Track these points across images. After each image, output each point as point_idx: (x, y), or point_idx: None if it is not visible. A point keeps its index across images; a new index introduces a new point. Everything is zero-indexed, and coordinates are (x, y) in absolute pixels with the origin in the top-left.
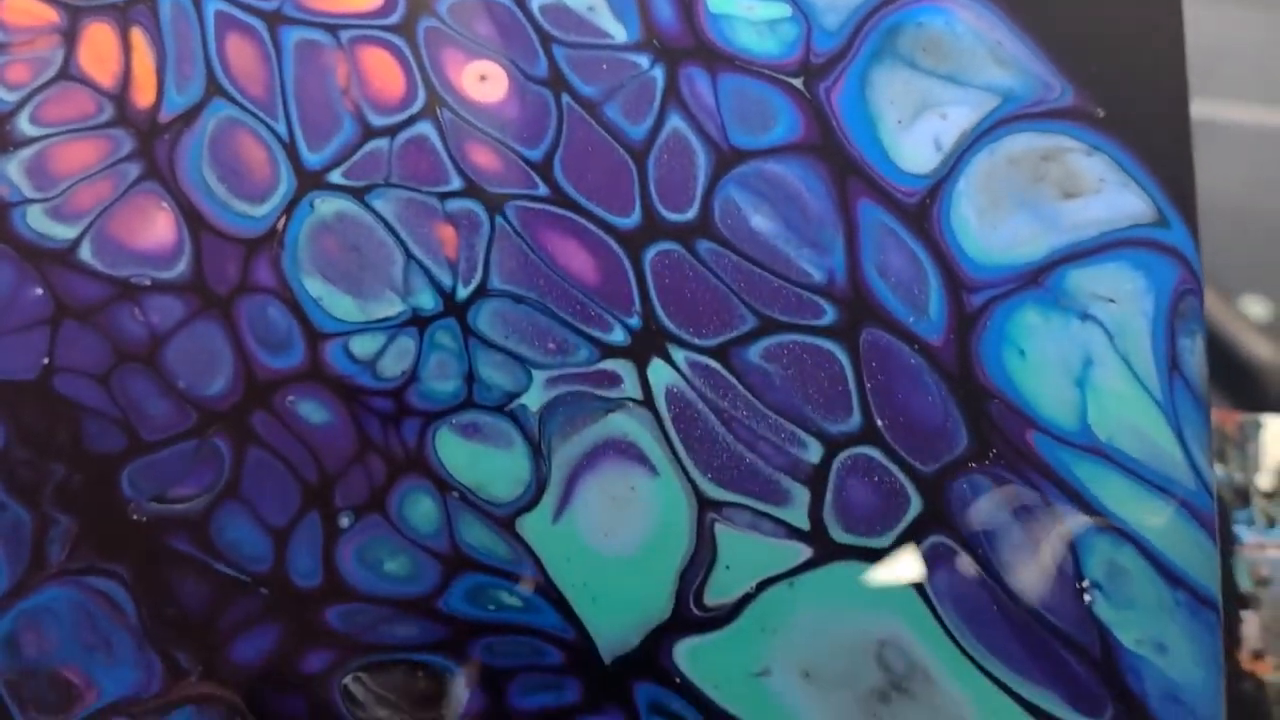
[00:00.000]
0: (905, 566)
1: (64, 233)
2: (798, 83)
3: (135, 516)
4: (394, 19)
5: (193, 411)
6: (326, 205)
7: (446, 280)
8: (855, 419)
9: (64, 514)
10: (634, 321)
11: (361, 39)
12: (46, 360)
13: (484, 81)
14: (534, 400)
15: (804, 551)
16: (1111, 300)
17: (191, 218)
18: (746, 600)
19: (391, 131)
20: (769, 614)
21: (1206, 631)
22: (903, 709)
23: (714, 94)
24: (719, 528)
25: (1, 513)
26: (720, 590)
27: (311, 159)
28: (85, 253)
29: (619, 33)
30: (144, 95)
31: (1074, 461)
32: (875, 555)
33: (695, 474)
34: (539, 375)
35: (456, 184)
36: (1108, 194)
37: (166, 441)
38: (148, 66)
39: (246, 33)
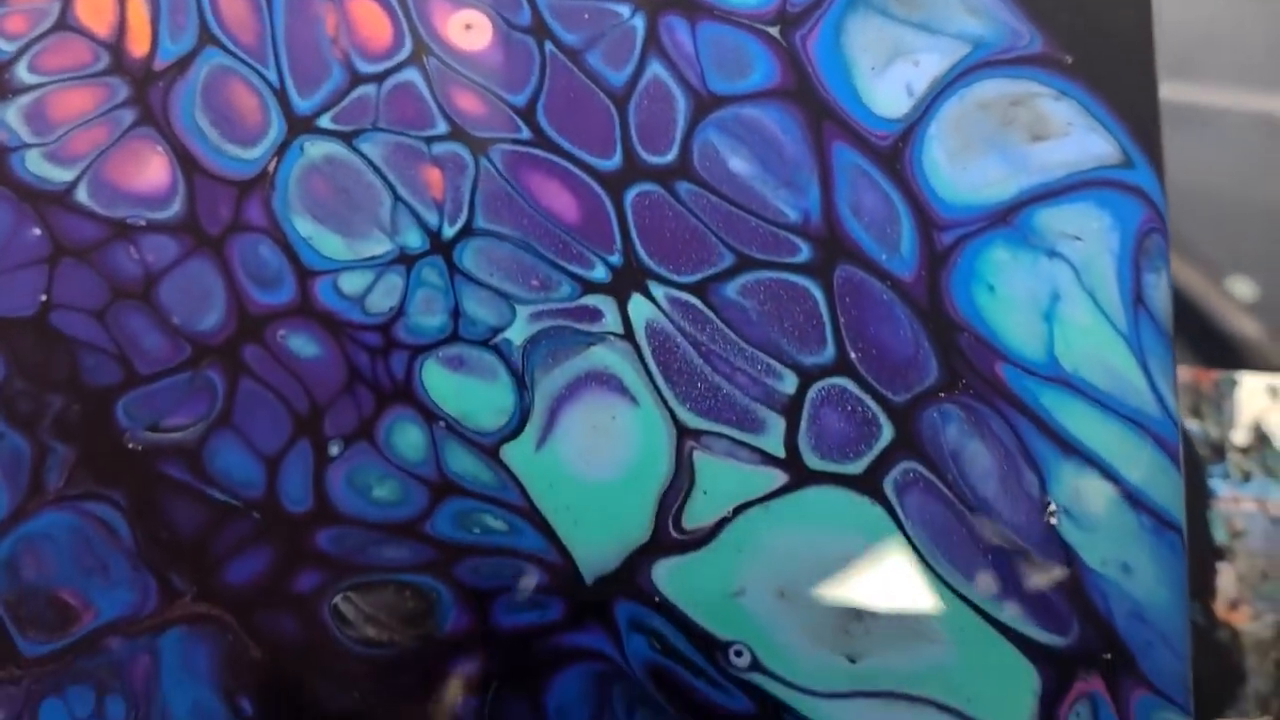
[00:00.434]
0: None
1: (61, 175)
2: (774, 31)
3: (130, 445)
4: None
5: (187, 345)
6: (316, 148)
7: (433, 220)
8: (829, 351)
9: (62, 443)
10: (615, 259)
11: None
12: (44, 297)
13: (469, 30)
14: (518, 334)
15: (779, 477)
16: (1078, 238)
17: (185, 161)
18: (723, 524)
19: (379, 78)
20: (745, 537)
21: (1170, 553)
22: (874, 626)
23: (693, 42)
24: (697, 455)
25: (1, 441)
26: (698, 514)
27: (301, 104)
28: (82, 194)
29: None
30: (139, 44)
31: (1041, 391)
32: (848, 481)
33: (674, 404)
34: (522, 310)
35: (442, 128)
36: (1075, 137)
37: (161, 374)
38: (142, 16)
39: None
